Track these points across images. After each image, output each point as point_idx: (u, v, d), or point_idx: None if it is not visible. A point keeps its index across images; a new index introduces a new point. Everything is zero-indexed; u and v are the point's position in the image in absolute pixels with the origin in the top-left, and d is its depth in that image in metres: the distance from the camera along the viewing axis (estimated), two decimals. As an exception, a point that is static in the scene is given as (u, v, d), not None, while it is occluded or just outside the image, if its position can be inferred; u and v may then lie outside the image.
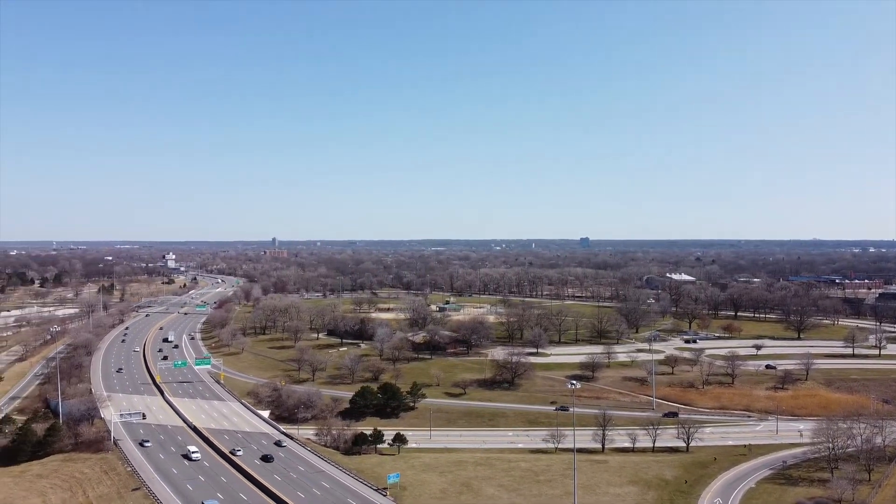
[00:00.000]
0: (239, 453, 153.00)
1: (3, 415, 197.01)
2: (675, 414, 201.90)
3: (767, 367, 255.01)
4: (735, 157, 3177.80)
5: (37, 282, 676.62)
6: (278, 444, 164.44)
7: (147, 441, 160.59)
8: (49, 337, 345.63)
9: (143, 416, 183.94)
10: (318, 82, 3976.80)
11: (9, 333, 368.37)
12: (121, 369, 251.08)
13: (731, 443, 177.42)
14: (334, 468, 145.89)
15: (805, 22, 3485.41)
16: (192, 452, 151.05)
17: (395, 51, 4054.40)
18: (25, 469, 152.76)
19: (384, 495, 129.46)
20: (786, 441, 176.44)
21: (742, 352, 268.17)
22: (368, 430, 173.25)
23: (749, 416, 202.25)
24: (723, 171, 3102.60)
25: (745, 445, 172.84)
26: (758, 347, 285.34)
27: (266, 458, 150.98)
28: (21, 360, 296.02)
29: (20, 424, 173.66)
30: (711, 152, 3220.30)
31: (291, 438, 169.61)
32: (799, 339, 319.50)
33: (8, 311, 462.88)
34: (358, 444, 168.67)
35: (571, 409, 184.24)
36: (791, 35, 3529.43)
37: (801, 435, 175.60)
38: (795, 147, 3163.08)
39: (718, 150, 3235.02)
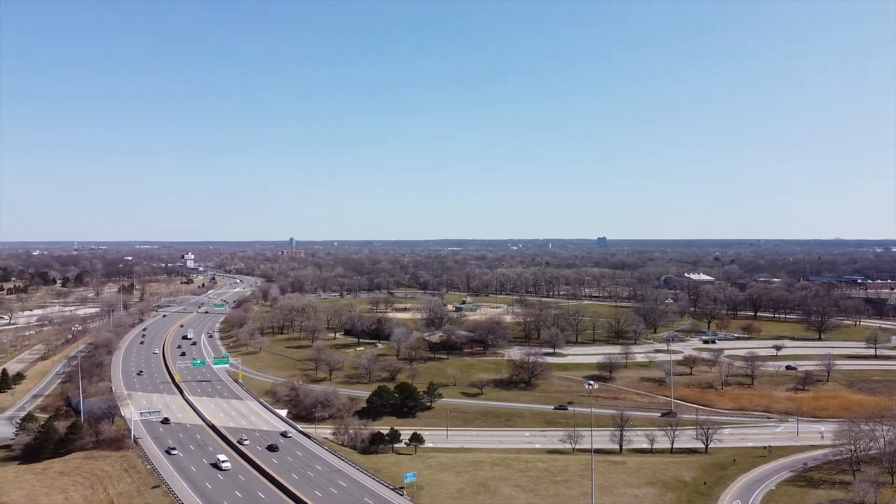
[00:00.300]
0: (246, 443, 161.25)
1: (26, 413, 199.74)
2: (673, 414, 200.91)
3: (787, 367, 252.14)
4: (754, 157, 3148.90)
5: (59, 281, 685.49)
6: (284, 434, 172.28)
7: (174, 449, 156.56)
8: (70, 336, 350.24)
9: (167, 421, 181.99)
10: (336, 83, 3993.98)
11: (31, 332, 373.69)
12: (141, 372, 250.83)
13: (750, 444, 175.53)
14: (351, 467, 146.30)
15: (822, 19, 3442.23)
16: (223, 462, 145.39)
17: (410, 52, 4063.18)
18: (48, 466, 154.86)
19: (401, 495, 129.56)
20: (806, 443, 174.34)
21: (762, 352, 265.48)
22: (385, 430, 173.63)
23: (769, 418, 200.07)
24: (742, 170, 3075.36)
25: (764, 447, 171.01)
26: (778, 348, 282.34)
27: (271, 448, 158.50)
28: (43, 358, 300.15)
29: (42, 422, 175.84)
30: (731, 151, 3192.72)
31: (309, 437, 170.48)
32: (820, 339, 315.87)
33: (31, 310, 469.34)
34: (375, 444, 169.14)
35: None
36: (807, 32, 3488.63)
37: (822, 437, 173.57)
38: (816, 145, 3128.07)
39: (738, 150, 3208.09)
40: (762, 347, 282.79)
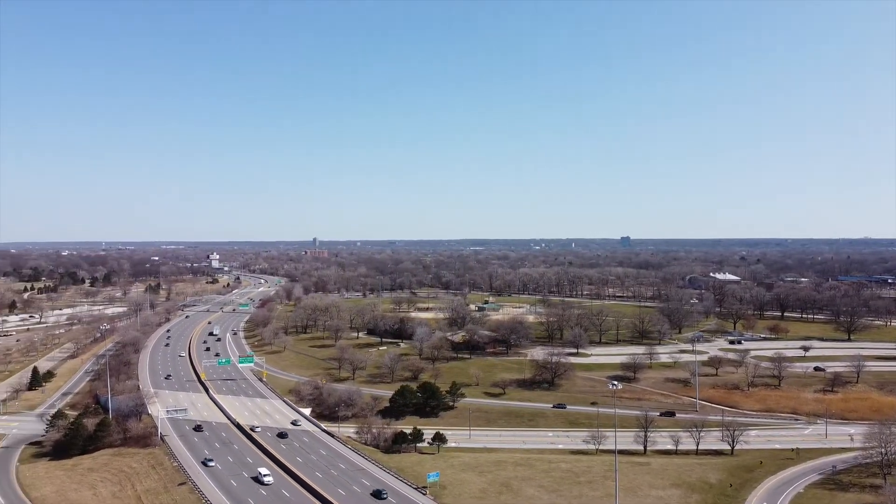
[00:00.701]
0: (257, 429, 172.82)
1: (56, 410, 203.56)
2: (671, 413, 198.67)
3: (816, 369, 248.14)
4: (781, 154, 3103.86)
5: (87, 281, 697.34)
6: (294, 423, 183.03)
7: (211, 460, 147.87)
8: (99, 335, 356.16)
9: (200, 428, 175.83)
10: (358, 84, 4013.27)
11: (61, 331, 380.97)
12: (169, 376, 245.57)
13: (777, 446, 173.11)
14: (375, 466, 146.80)
15: (852, 14, 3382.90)
16: (264, 476, 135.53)
17: (435, 52, 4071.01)
18: (77, 462, 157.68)
19: (424, 494, 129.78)
20: (835, 445, 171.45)
21: (789, 353, 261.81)
22: (408, 429, 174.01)
23: (797, 419, 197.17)
24: (768, 168, 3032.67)
25: (792, 449, 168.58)
26: (805, 349, 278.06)
27: (281, 435, 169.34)
28: (73, 356, 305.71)
29: (72, 419, 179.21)
30: (756, 149, 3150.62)
31: (332, 436, 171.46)
32: (849, 340, 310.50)
33: (60, 309, 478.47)
34: (398, 443, 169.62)
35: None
36: (831, 28, 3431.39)
37: (852, 439, 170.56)
38: (843, 143, 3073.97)
39: (763, 147, 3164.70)
40: (789, 348, 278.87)
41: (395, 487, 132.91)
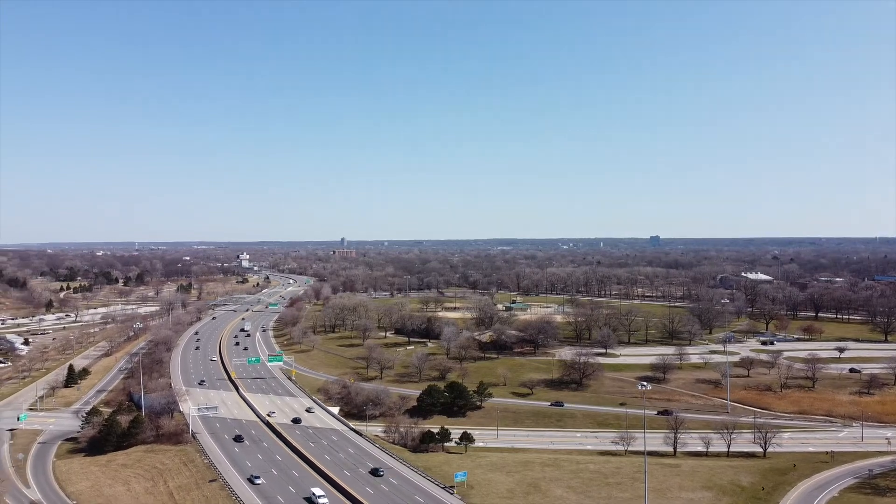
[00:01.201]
0: (273, 415, 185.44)
1: (91, 407, 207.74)
2: (669, 412, 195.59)
3: (851, 370, 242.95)
4: (814, 151, 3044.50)
5: (121, 281, 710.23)
6: (308, 410, 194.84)
7: (257, 477, 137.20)
8: (132, 333, 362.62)
9: (241, 438, 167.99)
10: (387, 85, 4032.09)
11: (96, 330, 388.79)
12: (202, 381, 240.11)
13: (811, 449, 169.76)
14: (402, 465, 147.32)
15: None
16: (319, 497, 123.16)
17: (463, 53, 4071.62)
18: (111, 459, 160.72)
19: (451, 493, 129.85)
20: (872, 448, 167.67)
21: (823, 354, 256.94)
22: (436, 429, 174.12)
23: (831, 422, 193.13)
24: (801, 166, 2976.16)
25: (827, 452, 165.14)
26: (840, 350, 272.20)
27: (295, 420, 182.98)
28: (107, 355, 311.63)
29: (106, 416, 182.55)
30: (788, 147, 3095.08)
31: (361, 435, 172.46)
32: (886, 341, 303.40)
33: (95, 308, 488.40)
34: (425, 442, 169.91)
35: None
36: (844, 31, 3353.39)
37: (889, 443, 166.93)
38: (877, 138, 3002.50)
39: (796, 144, 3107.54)
40: (824, 349, 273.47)
41: (423, 486, 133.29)
